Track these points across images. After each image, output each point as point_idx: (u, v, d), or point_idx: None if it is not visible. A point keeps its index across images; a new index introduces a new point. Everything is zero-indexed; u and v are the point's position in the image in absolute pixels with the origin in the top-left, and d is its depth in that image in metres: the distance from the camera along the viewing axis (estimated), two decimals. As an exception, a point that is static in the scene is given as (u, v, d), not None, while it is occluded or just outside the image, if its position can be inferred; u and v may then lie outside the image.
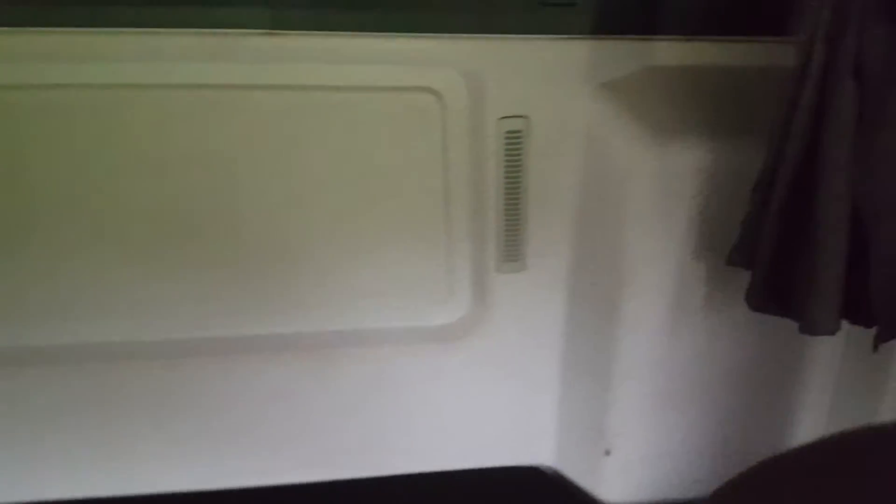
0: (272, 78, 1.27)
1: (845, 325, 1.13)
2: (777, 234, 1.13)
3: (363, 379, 1.51)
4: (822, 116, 1.04)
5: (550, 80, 1.28)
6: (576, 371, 1.51)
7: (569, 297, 1.46)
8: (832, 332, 1.09)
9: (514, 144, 1.32)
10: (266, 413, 1.52)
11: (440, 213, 1.42)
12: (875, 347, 1.10)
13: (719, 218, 1.26)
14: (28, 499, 1.55)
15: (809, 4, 1.02)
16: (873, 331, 1.12)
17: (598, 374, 1.44)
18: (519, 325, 1.50)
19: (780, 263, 1.15)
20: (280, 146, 1.34)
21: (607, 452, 1.47)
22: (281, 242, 1.41)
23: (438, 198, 1.41)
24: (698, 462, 1.50)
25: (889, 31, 0.98)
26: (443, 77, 1.30)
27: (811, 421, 1.43)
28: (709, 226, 1.27)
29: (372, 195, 1.40)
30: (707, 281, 1.32)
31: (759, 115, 1.17)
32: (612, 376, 1.41)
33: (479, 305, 1.50)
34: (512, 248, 1.41)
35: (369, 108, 1.32)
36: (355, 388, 1.52)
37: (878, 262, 1.04)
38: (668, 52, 1.26)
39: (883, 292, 1.05)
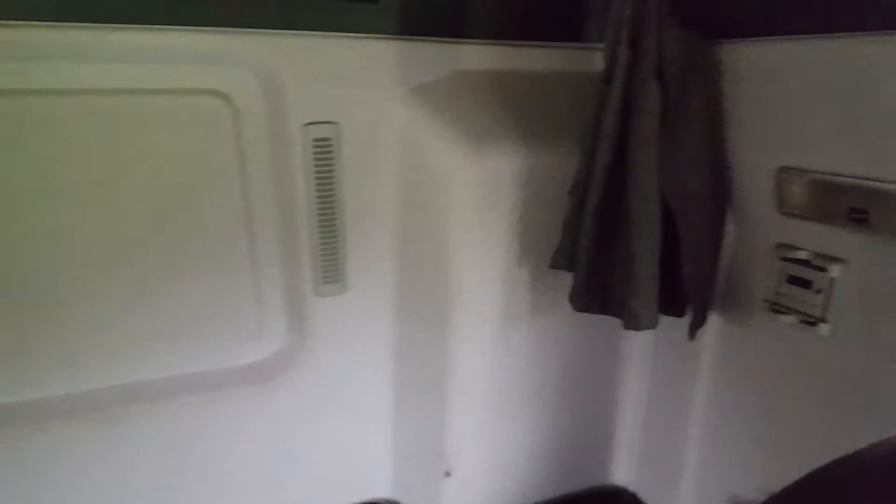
0: (5, 80, 0.99)
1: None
2: (595, 235, 1.14)
3: (159, 439, 1.26)
4: (628, 118, 1.07)
5: (359, 83, 1.16)
6: (408, 393, 1.42)
7: (396, 315, 1.36)
8: (653, 326, 1.13)
9: (325, 154, 1.18)
10: (34, 499, 1.20)
11: (242, 234, 1.23)
12: (691, 335, 1.16)
13: (539, 222, 1.25)
14: None
15: (614, 6, 1.03)
16: (685, 320, 1.19)
17: (431, 394, 1.36)
18: (344, 352, 1.36)
19: (600, 263, 1.17)
20: (28, 162, 1.06)
21: (447, 474, 1.40)
22: (37, 283, 1.12)
23: (239, 217, 1.22)
24: (535, 466, 1.49)
25: (684, 32, 1.02)
26: (231, 78, 1.12)
27: (632, 409, 1.50)
28: (530, 231, 1.26)
29: (156, 219, 1.16)
30: (532, 286, 1.30)
31: (569, 119, 1.17)
32: (446, 393, 1.34)
33: (296, 336, 1.33)
34: (330, 268, 1.28)
35: (142, 115, 1.10)
36: (151, 451, 1.26)
37: (687, 254, 1.08)
38: (478, 55, 1.22)
39: (694, 282, 1.10)
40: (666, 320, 1.19)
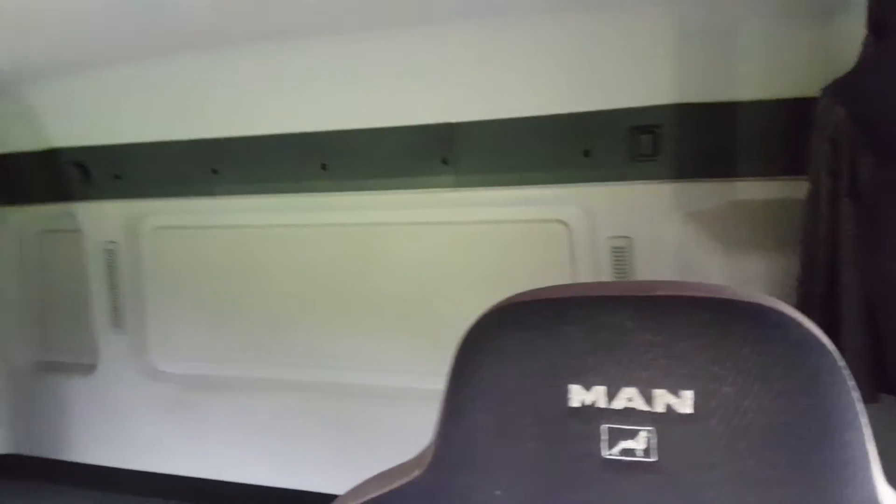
0: (454, 216, 1.96)
1: None
2: (820, 317, 1.42)
3: None
4: (835, 227, 1.38)
5: (645, 211, 1.76)
6: None
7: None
8: (868, 402, 1.32)
9: (621, 256, 1.80)
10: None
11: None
12: None
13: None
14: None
15: (814, 144, 1.40)
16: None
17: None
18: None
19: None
20: (456, 261, 2.01)
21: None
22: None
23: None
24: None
25: (877, 161, 1.31)
26: (568, 211, 1.86)
27: None
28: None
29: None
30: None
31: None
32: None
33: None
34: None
35: (523, 234, 1.93)
36: None
37: (890, 336, 1.28)
38: (745, 189, 1.67)
39: (897, 361, 1.28)
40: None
